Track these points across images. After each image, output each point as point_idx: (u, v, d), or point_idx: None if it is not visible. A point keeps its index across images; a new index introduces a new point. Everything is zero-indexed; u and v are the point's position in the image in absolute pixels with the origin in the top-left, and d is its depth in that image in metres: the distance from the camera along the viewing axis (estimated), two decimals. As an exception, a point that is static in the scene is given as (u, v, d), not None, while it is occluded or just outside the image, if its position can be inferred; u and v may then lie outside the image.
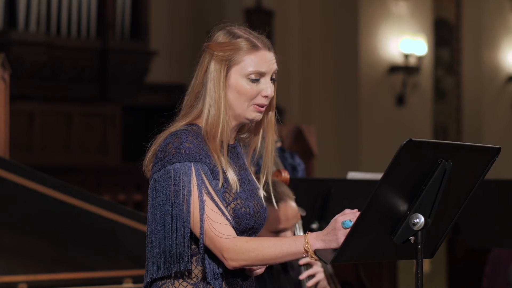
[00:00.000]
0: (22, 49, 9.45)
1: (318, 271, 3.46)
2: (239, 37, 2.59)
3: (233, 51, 2.58)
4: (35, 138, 9.60)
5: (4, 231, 4.17)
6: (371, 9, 11.38)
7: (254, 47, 2.58)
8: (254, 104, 2.58)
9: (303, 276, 3.44)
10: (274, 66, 2.61)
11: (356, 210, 2.38)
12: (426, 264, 6.60)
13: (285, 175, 3.39)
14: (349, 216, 2.35)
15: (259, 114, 2.60)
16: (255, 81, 2.57)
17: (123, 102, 10.22)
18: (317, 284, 3.45)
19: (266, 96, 2.58)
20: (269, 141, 2.67)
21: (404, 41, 11.48)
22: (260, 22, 10.80)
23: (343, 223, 2.34)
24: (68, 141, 9.83)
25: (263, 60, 2.58)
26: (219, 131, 2.55)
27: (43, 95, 9.74)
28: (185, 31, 11.09)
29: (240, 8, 10.81)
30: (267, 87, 2.58)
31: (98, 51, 10.06)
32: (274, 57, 2.62)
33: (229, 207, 2.52)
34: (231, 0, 11.05)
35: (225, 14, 10.84)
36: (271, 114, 2.67)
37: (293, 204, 3.29)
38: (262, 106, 2.59)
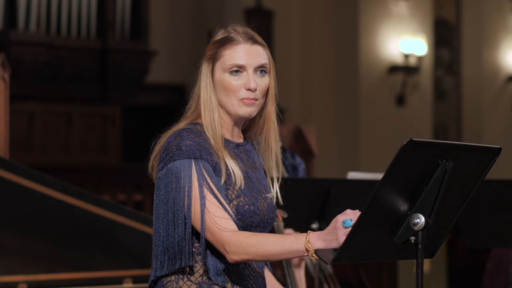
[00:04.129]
0: (22, 49, 9.44)
1: None
2: (227, 33, 2.60)
3: (216, 48, 2.59)
4: (35, 138, 9.59)
5: (4, 231, 4.16)
6: (371, 9, 11.38)
7: (234, 41, 2.58)
8: (241, 99, 2.57)
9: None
10: (258, 59, 2.58)
11: (357, 210, 2.38)
12: (426, 264, 6.60)
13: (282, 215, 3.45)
14: (350, 216, 2.35)
15: (249, 108, 2.58)
16: (237, 74, 2.57)
17: (123, 102, 10.21)
18: None
19: (249, 90, 2.56)
20: (269, 137, 2.66)
21: (404, 41, 11.47)
22: (260, 22, 10.78)
23: (343, 222, 2.34)
24: (68, 141, 9.82)
25: (242, 53, 2.57)
26: (212, 128, 2.55)
27: (43, 95, 9.74)
28: (185, 31, 11.08)
29: (240, 8, 10.80)
30: (250, 80, 2.56)
31: (98, 51, 10.06)
32: (261, 50, 2.60)
33: (231, 204, 2.52)
34: (231, 0, 11.04)
35: (225, 14, 10.84)
36: (270, 108, 2.64)
37: None
38: (250, 100, 2.58)
